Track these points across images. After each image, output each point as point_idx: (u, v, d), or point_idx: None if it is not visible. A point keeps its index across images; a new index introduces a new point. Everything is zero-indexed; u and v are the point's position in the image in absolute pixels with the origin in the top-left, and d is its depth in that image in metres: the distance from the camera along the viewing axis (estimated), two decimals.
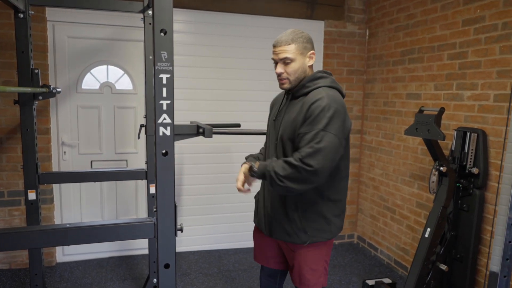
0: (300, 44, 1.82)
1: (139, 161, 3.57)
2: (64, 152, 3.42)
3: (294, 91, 1.90)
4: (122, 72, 3.49)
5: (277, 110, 2.01)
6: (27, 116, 2.44)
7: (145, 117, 2.80)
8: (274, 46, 1.86)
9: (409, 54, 3.43)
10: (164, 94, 1.55)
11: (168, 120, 1.58)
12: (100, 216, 3.57)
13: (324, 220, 1.90)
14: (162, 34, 1.53)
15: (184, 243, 3.82)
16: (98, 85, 3.44)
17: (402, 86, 3.53)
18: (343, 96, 1.90)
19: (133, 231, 1.64)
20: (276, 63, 1.88)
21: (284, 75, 1.86)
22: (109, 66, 3.45)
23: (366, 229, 4.11)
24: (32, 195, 2.49)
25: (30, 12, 2.40)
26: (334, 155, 1.73)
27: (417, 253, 2.63)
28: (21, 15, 2.36)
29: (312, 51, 1.88)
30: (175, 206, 1.67)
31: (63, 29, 3.30)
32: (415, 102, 3.36)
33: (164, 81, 1.54)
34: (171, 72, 1.54)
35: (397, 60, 3.58)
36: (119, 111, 3.51)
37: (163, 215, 1.65)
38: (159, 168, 1.60)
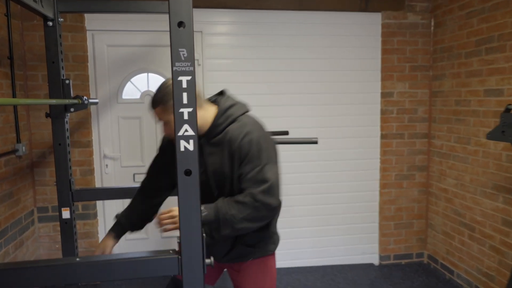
0: (168, 103, 1.58)
1: None
2: (106, 165, 3.30)
3: (207, 135, 1.68)
4: (162, 79, 3.30)
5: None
6: (58, 129, 2.30)
7: None
8: (150, 109, 1.69)
9: (486, 43, 2.90)
10: (185, 101, 1.27)
11: (190, 132, 1.30)
12: (144, 233, 3.40)
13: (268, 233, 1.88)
14: (181, 27, 1.25)
15: None
16: (139, 94, 3.29)
17: (478, 82, 3.00)
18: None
19: (153, 267, 1.37)
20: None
21: (171, 135, 1.61)
22: (149, 74, 3.29)
23: (438, 248, 3.58)
24: (66, 214, 2.34)
25: (59, 19, 2.25)
26: (280, 182, 1.68)
27: None
28: (50, 23, 2.22)
29: None
30: (203, 237, 1.39)
31: (103, 38, 3.19)
32: (496, 100, 2.82)
33: (184, 85, 1.26)
34: (192, 73, 1.25)
35: (471, 51, 3.06)
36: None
37: (188, 247, 1.36)
38: (181, 190, 1.32)
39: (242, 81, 3.36)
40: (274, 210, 1.67)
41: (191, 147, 1.30)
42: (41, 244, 3.21)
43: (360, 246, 3.71)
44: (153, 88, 3.29)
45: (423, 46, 3.52)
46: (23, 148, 2.88)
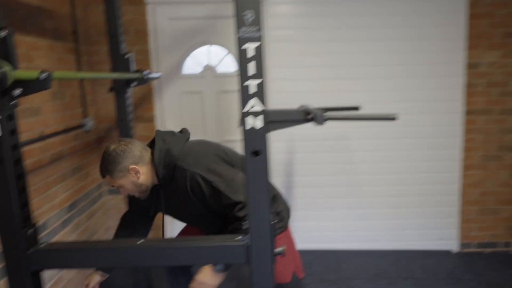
0: (115, 173, 1.65)
1: None
2: None
3: (162, 185, 1.74)
4: (224, 52, 3.17)
5: (153, 200, 1.86)
6: (121, 104, 2.26)
7: None
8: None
9: None
10: (252, 71, 1.11)
11: (258, 107, 1.14)
12: None
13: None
14: None
15: (297, 239, 3.41)
16: (200, 68, 3.19)
17: None
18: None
19: (218, 254, 1.26)
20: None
21: (130, 194, 1.75)
22: (211, 47, 3.16)
23: None
24: None
25: None
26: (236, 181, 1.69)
27: None
28: None
29: (132, 167, 1.66)
30: (271, 224, 1.24)
31: (163, 11, 3.09)
32: None
33: (251, 53, 1.10)
34: (260, 39, 1.09)
35: None
36: (222, 96, 3.22)
37: (256, 234, 1.23)
38: (249, 172, 1.18)
39: (309, 52, 3.13)
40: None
41: (259, 124, 1.14)
42: (110, 216, 3.30)
43: (437, 232, 3.40)
44: (215, 62, 3.17)
45: None
46: (90, 122, 2.92)
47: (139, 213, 1.98)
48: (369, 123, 3.21)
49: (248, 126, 1.14)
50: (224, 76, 3.20)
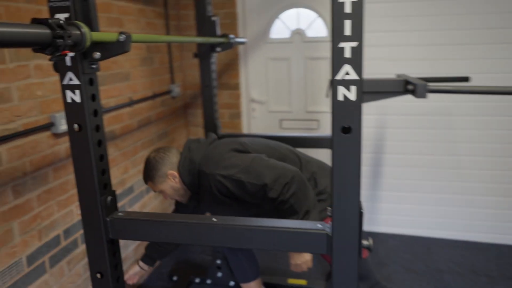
0: (155, 178, 1.77)
1: None
2: (253, 109, 3.19)
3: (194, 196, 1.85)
4: (314, 15, 2.94)
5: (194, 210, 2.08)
6: (205, 70, 2.20)
7: None
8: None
9: None
10: (347, 31, 0.93)
11: (352, 76, 0.97)
12: None
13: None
14: None
15: (383, 222, 3.18)
16: (288, 32, 3.00)
17: None
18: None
19: (295, 241, 1.13)
20: None
21: (172, 198, 1.85)
22: (300, 9, 2.95)
23: None
24: None
25: None
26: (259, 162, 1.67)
27: None
28: None
29: (170, 172, 1.76)
30: (361, 213, 1.08)
31: None
32: None
33: (348, 8, 0.92)
34: None
35: None
36: (310, 63, 3.01)
37: (341, 223, 1.08)
38: (336, 151, 1.02)
39: (407, 14, 2.76)
40: (295, 181, 1.61)
41: (352, 96, 0.97)
42: None
43: None
44: (304, 25, 2.96)
45: None
46: (177, 89, 2.94)
47: None
48: (476, 97, 2.78)
49: (339, 97, 0.97)
50: (314, 41, 2.97)
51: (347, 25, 0.90)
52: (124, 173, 2.36)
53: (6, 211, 1.51)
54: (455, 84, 2.04)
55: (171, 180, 1.76)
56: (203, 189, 1.74)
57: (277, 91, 3.13)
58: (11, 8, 1.52)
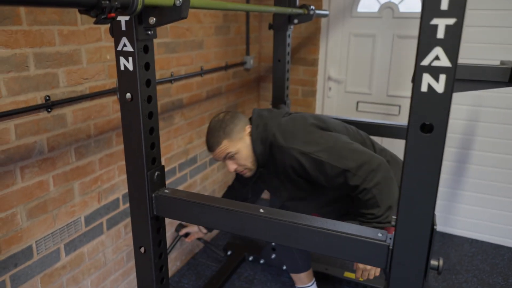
0: (234, 134, 1.54)
1: None
2: (330, 88, 2.98)
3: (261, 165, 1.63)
4: None
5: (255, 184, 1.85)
6: (280, 44, 2.05)
7: None
8: (210, 151, 1.61)
9: None
10: (444, 5, 0.74)
11: (444, 62, 0.78)
12: None
13: None
14: None
15: (461, 224, 2.86)
16: (377, 6, 2.71)
17: None
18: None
19: (349, 248, 0.99)
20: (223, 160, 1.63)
21: (240, 168, 1.61)
22: None
23: None
24: None
25: None
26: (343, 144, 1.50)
27: None
28: None
29: (247, 126, 1.58)
30: (433, 228, 0.91)
31: None
32: None
33: None
34: None
35: None
36: (399, 42, 2.71)
37: (406, 236, 0.92)
38: (410, 152, 0.85)
39: None
40: (381, 170, 1.44)
41: (440, 87, 0.79)
42: None
43: None
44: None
45: None
46: (251, 61, 2.83)
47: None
48: None
49: (423, 88, 0.79)
50: (406, 17, 2.65)
51: None
52: (189, 143, 2.34)
53: (68, 171, 1.54)
54: None
55: (247, 135, 1.57)
56: (274, 163, 1.57)
57: (357, 71, 2.88)
58: None
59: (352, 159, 1.43)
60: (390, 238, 0.94)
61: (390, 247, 0.92)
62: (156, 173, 1.13)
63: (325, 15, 2.31)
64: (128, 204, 1.92)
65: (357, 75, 2.89)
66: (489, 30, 2.40)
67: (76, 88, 1.52)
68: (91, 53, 1.56)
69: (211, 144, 1.56)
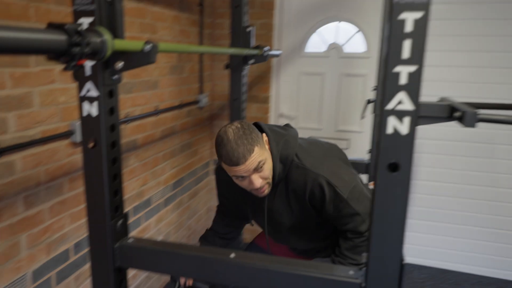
0: (260, 140, 1.39)
1: (363, 143, 2.86)
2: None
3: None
4: (354, 30, 2.79)
5: (254, 206, 1.62)
6: (236, 83, 2.09)
7: (375, 89, 2.06)
8: (236, 165, 1.35)
9: None
10: (406, 54, 0.79)
11: (406, 106, 0.83)
12: None
13: None
14: None
15: (409, 251, 2.98)
16: (325, 47, 2.87)
17: None
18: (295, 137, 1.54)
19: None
20: (241, 178, 1.41)
21: (263, 183, 1.43)
22: (339, 24, 2.81)
23: None
24: None
25: None
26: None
27: None
28: None
29: (263, 135, 1.46)
30: (402, 265, 0.94)
31: None
32: None
33: (409, 27, 0.78)
34: (425, 7, 0.76)
35: None
36: (345, 80, 2.87)
37: (378, 273, 0.94)
38: (379, 191, 0.89)
39: (451, 33, 2.59)
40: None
41: (405, 129, 0.83)
42: (213, 196, 3.26)
43: None
44: (342, 40, 2.82)
45: None
46: (205, 99, 2.85)
47: (231, 224, 1.83)
48: (487, 126, 2.57)
49: (389, 130, 0.83)
50: (351, 57, 2.83)
51: (407, 46, 0.77)
52: (143, 184, 2.27)
53: (15, 223, 1.43)
54: (508, 113, 1.85)
55: (269, 148, 1.44)
56: (286, 184, 1.47)
57: (308, 107, 2.99)
58: (41, 10, 1.46)
59: (365, 205, 1.44)
60: (362, 276, 0.95)
61: (363, 285, 0.94)
62: (119, 222, 1.08)
63: (278, 55, 2.40)
64: (80, 254, 1.80)
65: (308, 111, 3.00)
66: (428, 69, 2.62)
67: (27, 132, 1.43)
68: (44, 96, 1.49)
69: (243, 153, 1.33)
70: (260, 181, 1.40)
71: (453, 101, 1.49)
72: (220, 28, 2.94)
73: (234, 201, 1.70)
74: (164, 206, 2.53)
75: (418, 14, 0.74)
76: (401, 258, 0.91)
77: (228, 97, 2.14)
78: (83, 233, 1.80)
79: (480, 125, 2.49)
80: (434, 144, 2.77)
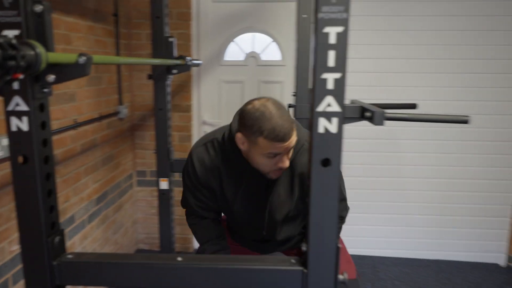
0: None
1: None
2: (205, 132, 3.10)
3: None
4: (269, 39, 2.95)
5: (246, 189, 1.48)
6: (160, 93, 2.09)
7: (295, 95, 2.21)
8: (281, 141, 1.29)
9: None
10: (331, 63, 0.90)
11: (334, 108, 0.93)
12: None
13: None
14: None
15: None
16: (243, 56, 2.98)
17: None
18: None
19: (267, 279, 1.07)
20: (274, 156, 1.33)
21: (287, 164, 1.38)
22: (256, 34, 2.95)
23: None
24: (163, 184, 2.17)
25: None
26: None
27: None
28: None
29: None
30: (337, 248, 1.04)
31: None
32: None
33: (333, 39, 0.88)
34: (345, 23, 0.88)
35: None
36: (264, 86, 3.01)
37: (318, 260, 1.03)
38: (314, 184, 0.98)
39: (358, 42, 2.87)
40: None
41: (333, 128, 0.93)
42: (138, 208, 3.18)
43: (484, 243, 3.12)
44: (259, 49, 2.96)
45: None
46: (125, 110, 2.78)
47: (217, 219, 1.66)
48: (419, 123, 2.94)
49: (320, 129, 0.94)
50: (268, 65, 2.98)
51: (331, 56, 0.88)
52: (65, 201, 2.15)
53: None
54: (410, 112, 2.12)
55: None
56: (298, 167, 1.43)
57: (230, 114, 3.04)
58: None
59: (344, 190, 1.56)
60: (303, 263, 1.04)
61: (305, 271, 1.03)
62: (57, 239, 1.04)
63: (199, 65, 2.44)
64: (0, 281, 1.65)
65: (230, 118, 3.04)
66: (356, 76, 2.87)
67: None
68: None
69: (288, 129, 1.28)
70: (288, 161, 1.36)
71: (363, 103, 1.67)
72: (137, 38, 2.89)
73: (214, 191, 1.54)
74: (89, 222, 2.42)
75: (339, 29, 0.86)
76: (336, 243, 1.02)
77: (153, 107, 2.14)
78: (2, 258, 1.66)
79: (387, 123, 2.77)
80: (345, 142, 3.02)
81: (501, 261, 3.12)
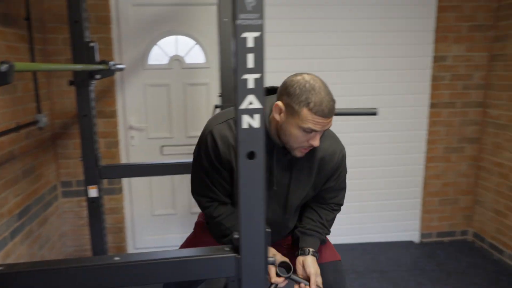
0: None
1: None
2: (132, 137, 3.07)
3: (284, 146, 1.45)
4: (192, 42, 3.00)
5: (267, 171, 1.44)
6: (83, 99, 2.05)
7: (221, 95, 2.29)
8: (325, 117, 1.30)
9: None
10: (250, 64, 1.00)
11: (255, 105, 1.03)
12: (172, 208, 3.21)
13: None
14: None
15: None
16: (167, 59, 3.00)
17: None
18: None
19: (205, 267, 1.14)
20: (310, 131, 1.32)
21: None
22: (178, 37, 2.98)
23: (487, 226, 3.31)
24: (93, 192, 2.13)
25: None
26: None
27: None
28: None
29: None
30: (266, 232, 1.15)
31: None
32: None
33: (250, 43, 0.98)
34: (260, 28, 0.98)
35: None
36: (190, 89, 3.05)
37: (248, 244, 1.13)
38: (242, 177, 1.07)
39: (286, 43, 3.03)
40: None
41: (256, 123, 1.03)
42: (65, 220, 3.05)
43: (401, 223, 3.47)
44: (182, 52, 2.99)
45: (485, 2, 3.10)
46: (44, 119, 2.66)
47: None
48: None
49: (244, 125, 1.03)
50: (193, 67, 3.03)
51: (250, 58, 0.97)
52: None
53: None
54: None
55: None
56: (320, 152, 1.47)
57: (157, 118, 3.07)
58: None
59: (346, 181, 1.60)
60: (235, 249, 1.13)
61: (238, 257, 1.12)
62: None
63: (122, 69, 2.42)
64: None
65: (157, 121, 3.08)
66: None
67: None
68: None
69: (333, 106, 1.31)
70: (319, 141, 1.36)
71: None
72: (53, 43, 2.78)
73: (232, 172, 1.45)
74: (11, 239, 2.28)
75: (256, 34, 0.95)
76: (264, 228, 1.12)
77: (75, 114, 2.09)
78: None
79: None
80: None
81: (416, 238, 3.48)
